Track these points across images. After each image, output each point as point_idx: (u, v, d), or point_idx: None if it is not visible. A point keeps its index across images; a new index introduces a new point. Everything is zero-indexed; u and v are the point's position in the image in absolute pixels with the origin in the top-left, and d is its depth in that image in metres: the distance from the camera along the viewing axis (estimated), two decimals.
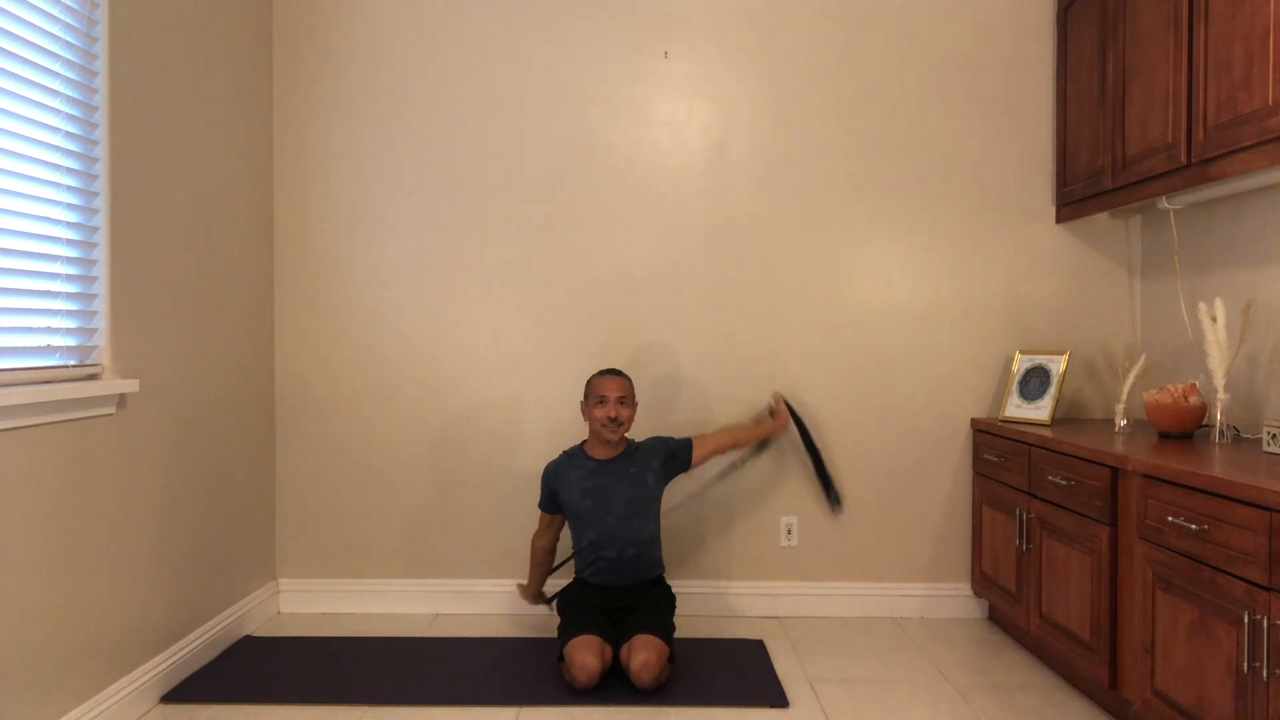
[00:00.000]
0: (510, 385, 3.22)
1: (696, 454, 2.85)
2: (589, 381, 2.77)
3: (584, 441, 2.81)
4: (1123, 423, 2.76)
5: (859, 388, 3.21)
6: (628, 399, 2.72)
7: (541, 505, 2.84)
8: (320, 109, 3.21)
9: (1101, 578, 2.33)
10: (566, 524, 2.86)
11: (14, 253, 1.98)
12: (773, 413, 3.07)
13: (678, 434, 3.17)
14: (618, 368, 3.02)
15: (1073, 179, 3.03)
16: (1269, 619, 1.70)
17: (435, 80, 3.21)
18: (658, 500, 2.77)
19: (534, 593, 2.94)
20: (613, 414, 2.66)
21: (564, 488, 2.74)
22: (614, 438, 2.69)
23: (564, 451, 2.83)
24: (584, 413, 2.76)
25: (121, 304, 2.32)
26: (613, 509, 2.67)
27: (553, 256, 3.21)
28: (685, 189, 3.21)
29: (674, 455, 2.82)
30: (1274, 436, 2.18)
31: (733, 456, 3.15)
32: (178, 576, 2.58)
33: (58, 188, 2.12)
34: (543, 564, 2.91)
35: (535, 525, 3.24)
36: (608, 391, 2.68)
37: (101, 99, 2.26)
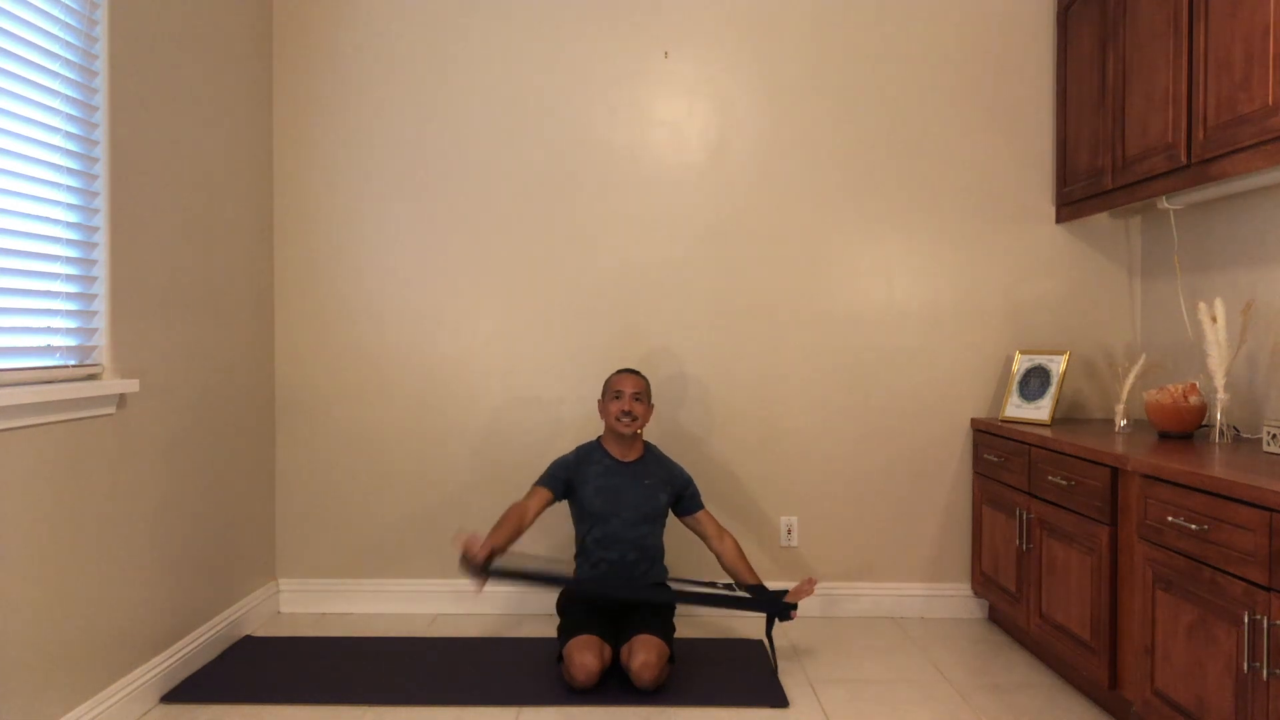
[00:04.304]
0: (509, 385, 3.22)
1: (695, 524, 2.81)
2: (607, 379, 2.81)
3: (599, 438, 2.83)
4: (1123, 423, 2.76)
5: (859, 387, 3.21)
6: (643, 396, 2.75)
7: (547, 483, 2.72)
8: (320, 109, 3.21)
9: (1101, 578, 2.33)
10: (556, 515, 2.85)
11: (14, 253, 1.98)
12: (797, 592, 2.69)
13: (679, 435, 3.18)
14: (634, 368, 3.04)
15: (1072, 179, 3.03)
16: (1269, 619, 1.70)
17: (435, 80, 3.21)
18: (665, 517, 2.79)
19: (484, 554, 2.46)
20: (626, 408, 2.70)
21: (581, 481, 2.74)
22: (627, 432, 2.71)
23: (578, 446, 2.83)
24: (600, 409, 2.78)
25: (121, 304, 2.32)
26: (621, 511, 2.68)
27: (553, 256, 3.21)
28: (685, 189, 3.21)
29: (680, 500, 2.81)
30: (1274, 436, 2.17)
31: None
32: (178, 576, 2.58)
33: (58, 188, 2.12)
34: (508, 533, 2.58)
35: (535, 525, 3.24)
36: (623, 387, 2.73)
37: (101, 99, 2.26)
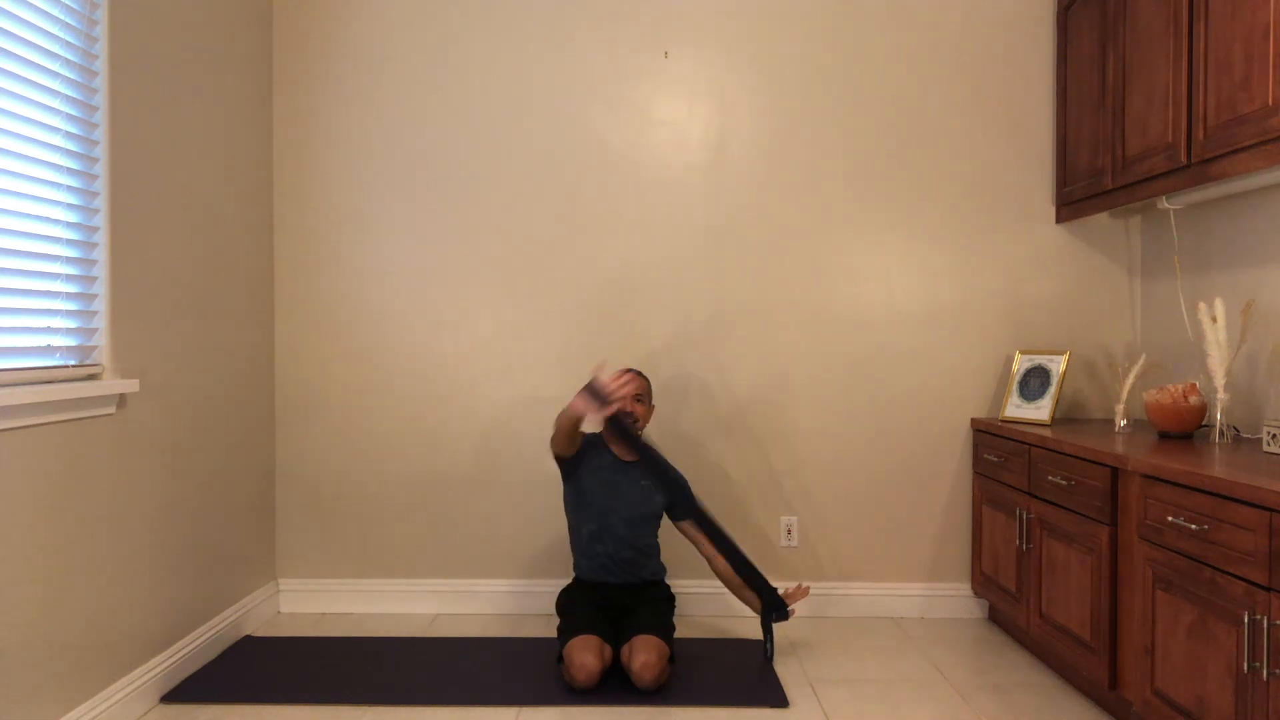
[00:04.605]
0: (509, 385, 3.22)
1: (690, 528, 2.78)
2: None
3: (600, 433, 2.82)
4: (1123, 423, 2.76)
5: (859, 387, 3.21)
6: (644, 397, 2.76)
7: None
8: (320, 109, 3.21)
9: (1101, 578, 2.33)
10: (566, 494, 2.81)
11: (14, 253, 1.98)
12: (790, 597, 2.76)
13: (680, 435, 3.18)
14: (635, 368, 3.04)
15: (1073, 179, 3.03)
16: (1269, 619, 1.70)
17: (436, 80, 3.21)
18: (660, 519, 2.79)
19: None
20: (628, 409, 2.69)
21: (587, 465, 2.73)
22: None
23: (584, 436, 2.83)
24: None
25: (121, 304, 2.32)
26: (618, 508, 2.69)
27: (553, 255, 3.21)
28: (685, 189, 3.21)
29: (676, 505, 2.77)
30: (1274, 436, 2.18)
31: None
32: (178, 576, 2.58)
33: (58, 188, 2.12)
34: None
35: (535, 525, 3.26)
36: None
37: (101, 99, 2.26)
